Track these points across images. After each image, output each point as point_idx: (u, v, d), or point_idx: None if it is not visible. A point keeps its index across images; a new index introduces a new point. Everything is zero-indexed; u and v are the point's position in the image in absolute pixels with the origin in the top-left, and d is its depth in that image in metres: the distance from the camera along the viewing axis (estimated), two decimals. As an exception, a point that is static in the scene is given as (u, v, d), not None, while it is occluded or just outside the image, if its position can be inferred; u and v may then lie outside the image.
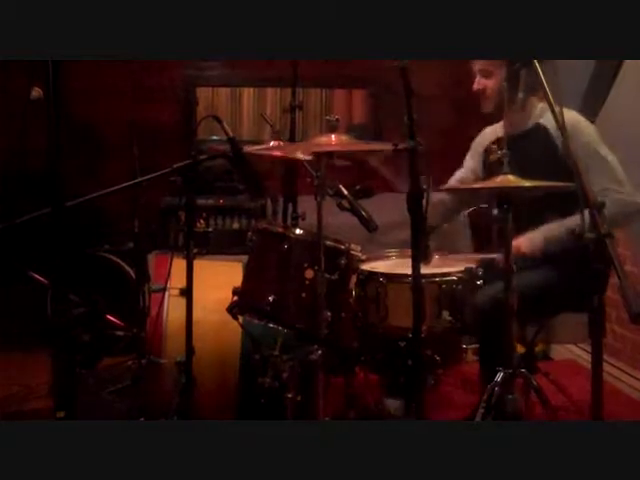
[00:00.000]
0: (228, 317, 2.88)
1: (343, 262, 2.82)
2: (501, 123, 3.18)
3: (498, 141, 3.13)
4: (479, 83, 3.08)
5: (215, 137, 4.68)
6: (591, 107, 4.13)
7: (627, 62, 3.95)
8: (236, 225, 4.59)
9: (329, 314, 2.68)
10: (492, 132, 3.30)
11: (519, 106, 3.03)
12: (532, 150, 2.99)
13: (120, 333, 3.96)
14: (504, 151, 2.58)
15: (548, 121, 3.01)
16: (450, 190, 3.35)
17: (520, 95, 2.97)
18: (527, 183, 2.52)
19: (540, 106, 3.07)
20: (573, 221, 2.70)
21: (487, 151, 3.27)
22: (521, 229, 2.96)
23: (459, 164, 3.44)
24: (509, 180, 2.52)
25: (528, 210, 2.95)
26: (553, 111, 2.05)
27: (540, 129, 3.05)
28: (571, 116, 2.94)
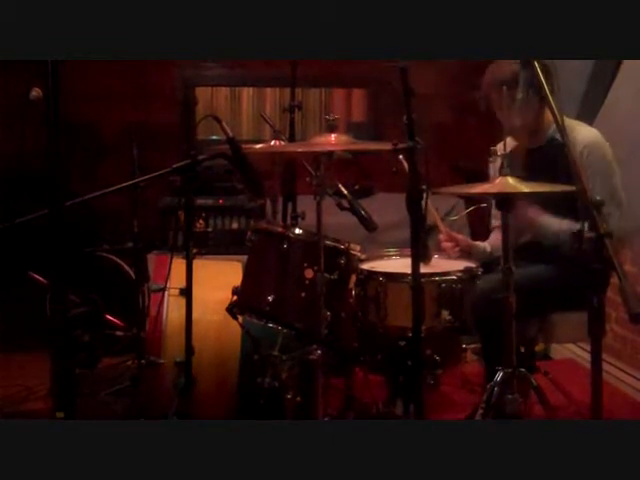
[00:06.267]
0: (228, 317, 2.88)
1: (343, 262, 2.82)
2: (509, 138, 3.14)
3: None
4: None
5: (214, 137, 4.69)
6: (590, 109, 4.14)
7: (625, 63, 3.95)
8: (235, 225, 4.58)
9: (328, 314, 2.68)
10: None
11: (532, 111, 2.96)
12: (548, 164, 2.96)
13: (120, 333, 3.96)
14: (505, 152, 2.59)
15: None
16: (447, 193, 3.34)
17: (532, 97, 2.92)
18: (525, 188, 2.52)
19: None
20: (574, 224, 2.73)
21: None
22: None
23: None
24: (508, 182, 2.52)
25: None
26: (554, 114, 2.04)
27: (555, 144, 3.02)
28: (594, 133, 3.00)
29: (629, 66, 3.86)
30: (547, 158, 2.95)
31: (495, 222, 3.32)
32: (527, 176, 2.55)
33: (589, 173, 2.89)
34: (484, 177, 3.18)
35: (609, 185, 2.95)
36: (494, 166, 3.11)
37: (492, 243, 3.26)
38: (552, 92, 2.01)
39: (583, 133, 2.97)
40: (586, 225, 1.84)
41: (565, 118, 3.00)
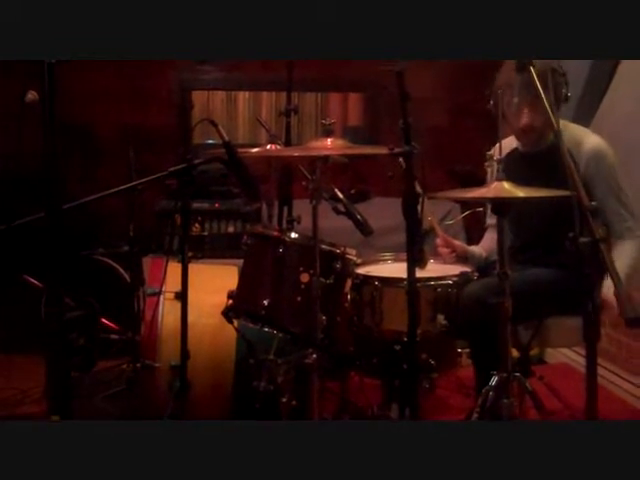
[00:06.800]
0: (223, 321, 2.87)
1: (338, 266, 2.82)
2: (509, 138, 3.13)
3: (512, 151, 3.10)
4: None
5: (210, 141, 4.69)
6: (586, 112, 4.15)
7: (621, 68, 3.96)
8: (231, 229, 4.58)
9: (324, 318, 2.68)
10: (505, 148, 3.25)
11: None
12: (549, 170, 2.96)
13: (115, 337, 3.96)
14: (500, 157, 2.59)
15: (566, 141, 2.98)
16: (443, 197, 3.34)
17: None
18: (521, 193, 2.53)
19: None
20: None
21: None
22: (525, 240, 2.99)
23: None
24: (504, 187, 2.52)
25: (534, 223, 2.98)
26: (551, 118, 2.04)
27: (557, 150, 3.02)
28: (600, 141, 2.97)
29: (626, 69, 3.88)
30: (547, 163, 2.95)
31: (490, 220, 3.32)
32: (526, 181, 2.54)
33: (597, 182, 2.89)
34: (480, 181, 3.18)
35: (622, 194, 2.95)
36: (492, 170, 3.12)
37: (486, 245, 3.26)
38: (556, 98, 2.01)
39: (589, 142, 2.95)
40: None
41: (572, 125, 3.04)
